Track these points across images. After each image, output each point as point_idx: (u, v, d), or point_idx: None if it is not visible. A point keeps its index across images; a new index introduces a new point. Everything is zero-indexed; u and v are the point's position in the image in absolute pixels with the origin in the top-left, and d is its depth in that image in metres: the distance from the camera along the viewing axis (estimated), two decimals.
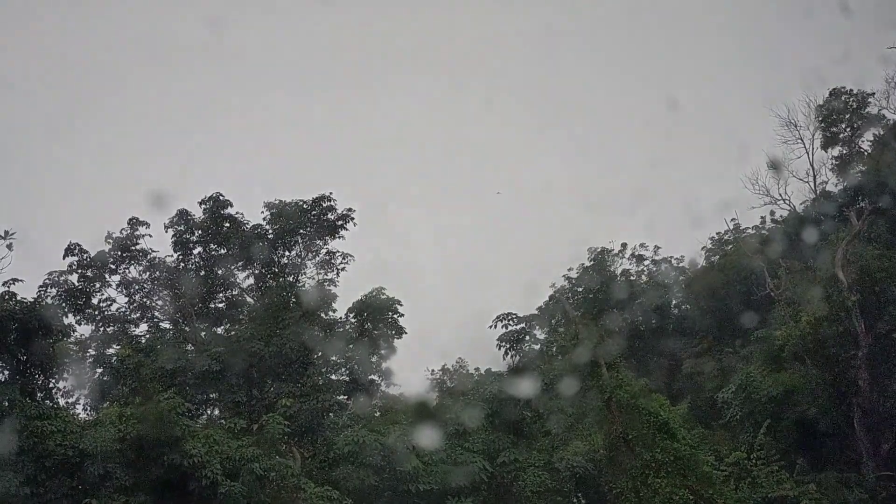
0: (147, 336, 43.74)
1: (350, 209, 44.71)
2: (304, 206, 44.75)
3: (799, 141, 47.84)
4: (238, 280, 46.26)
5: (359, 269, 46.02)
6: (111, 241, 44.57)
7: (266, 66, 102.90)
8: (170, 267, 45.16)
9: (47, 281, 42.29)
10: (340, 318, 44.89)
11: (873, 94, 47.35)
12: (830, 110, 47.89)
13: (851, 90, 47.78)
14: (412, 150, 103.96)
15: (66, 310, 41.72)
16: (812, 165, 48.22)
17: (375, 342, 44.33)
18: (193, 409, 36.14)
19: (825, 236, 44.23)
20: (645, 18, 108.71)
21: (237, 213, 45.04)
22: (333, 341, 43.07)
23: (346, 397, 42.96)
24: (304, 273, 45.75)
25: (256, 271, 45.73)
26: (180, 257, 45.24)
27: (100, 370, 41.29)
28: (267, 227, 45.23)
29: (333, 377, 43.42)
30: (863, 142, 48.51)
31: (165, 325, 45.56)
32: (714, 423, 42.22)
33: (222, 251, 45.34)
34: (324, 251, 45.53)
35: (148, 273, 45.26)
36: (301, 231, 45.11)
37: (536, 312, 52.57)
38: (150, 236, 44.93)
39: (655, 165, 76.86)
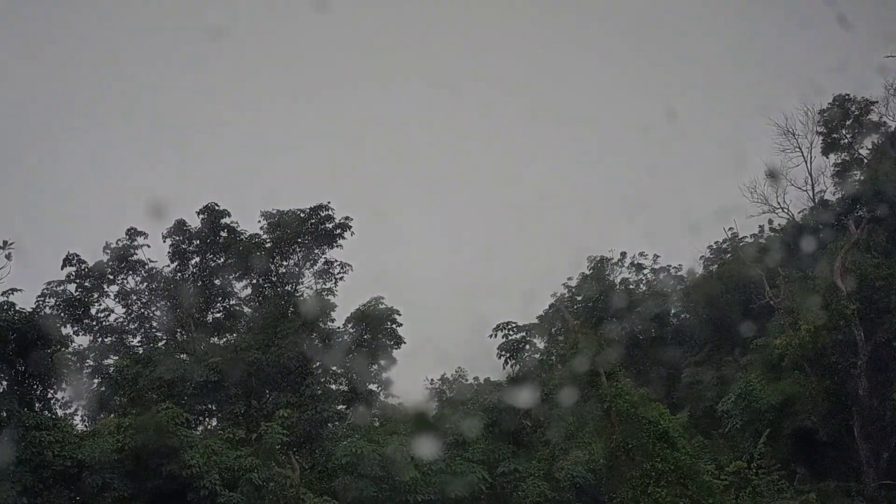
0: (144, 346, 43.58)
1: (348, 218, 44.49)
2: (302, 216, 44.53)
3: (797, 150, 48.02)
4: (236, 290, 46.10)
5: (357, 279, 45.84)
6: (109, 251, 44.47)
7: (264, 74, 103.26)
8: (167, 277, 45.03)
9: (45, 291, 42.09)
10: (339, 327, 44.63)
11: (875, 102, 47.62)
12: (832, 116, 48.01)
13: (854, 97, 48.07)
14: (410, 157, 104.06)
15: (64, 320, 41.46)
16: (810, 174, 48.41)
17: (374, 352, 44.22)
18: (192, 419, 36.00)
19: (823, 245, 44.30)
20: (644, 27, 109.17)
21: (234, 222, 44.91)
22: (332, 351, 42.90)
23: (344, 407, 42.81)
24: (302, 283, 45.46)
25: (254, 281, 45.49)
26: (178, 267, 45.12)
27: (98, 380, 41.12)
28: (264, 236, 45.04)
29: (332, 387, 43.28)
30: (861, 148, 48.73)
31: (162, 335, 45.41)
32: (714, 432, 42.19)
33: (220, 261, 45.22)
34: (322, 260, 45.30)
35: (146, 283, 45.13)
36: (299, 240, 44.90)
37: (536, 321, 52.47)
38: (149, 246, 44.82)
39: (654, 174, 76.94)
